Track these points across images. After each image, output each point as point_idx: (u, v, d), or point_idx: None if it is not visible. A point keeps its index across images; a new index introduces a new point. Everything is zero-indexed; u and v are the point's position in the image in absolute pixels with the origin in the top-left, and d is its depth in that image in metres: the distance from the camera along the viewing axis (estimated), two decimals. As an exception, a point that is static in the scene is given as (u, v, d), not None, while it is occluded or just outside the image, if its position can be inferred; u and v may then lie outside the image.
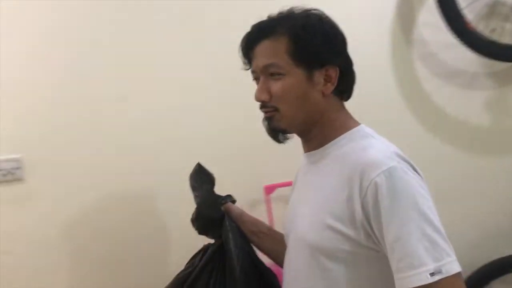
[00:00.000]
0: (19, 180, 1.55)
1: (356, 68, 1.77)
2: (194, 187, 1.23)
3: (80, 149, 1.59)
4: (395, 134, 1.87)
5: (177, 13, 1.64)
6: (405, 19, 1.88)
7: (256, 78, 1.02)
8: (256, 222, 1.24)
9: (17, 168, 1.54)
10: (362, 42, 1.79)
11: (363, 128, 0.99)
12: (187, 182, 1.27)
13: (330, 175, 0.95)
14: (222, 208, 1.19)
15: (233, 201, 1.24)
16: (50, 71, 1.56)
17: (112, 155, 1.61)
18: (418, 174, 0.90)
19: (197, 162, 1.24)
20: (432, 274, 0.79)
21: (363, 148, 0.92)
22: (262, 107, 1.00)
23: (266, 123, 1.02)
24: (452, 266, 0.81)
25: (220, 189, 1.25)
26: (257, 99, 0.99)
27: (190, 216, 1.23)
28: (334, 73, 0.96)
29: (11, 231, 1.54)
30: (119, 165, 1.60)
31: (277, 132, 1.02)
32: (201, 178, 1.23)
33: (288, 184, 1.32)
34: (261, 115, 1.05)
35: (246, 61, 1.04)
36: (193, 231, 1.23)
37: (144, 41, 1.62)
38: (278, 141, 1.03)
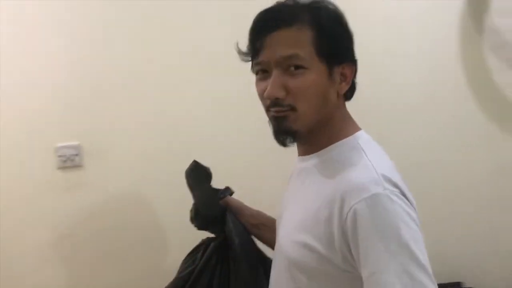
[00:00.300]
0: (77, 166, 1.60)
1: (423, 57, 1.73)
2: (191, 186, 1.19)
3: (135, 138, 1.62)
4: (462, 128, 1.82)
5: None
6: (476, 5, 1.73)
7: (263, 71, 0.88)
8: (256, 214, 1.20)
9: (76, 155, 1.60)
10: (429, 30, 1.70)
11: (359, 136, 0.89)
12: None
13: (314, 190, 0.88)
14: (221, 202, 1.16)
15: (231, 193, 1.19)
16: (111, 64, 1.61)
17: (167, 145, 1.63)
18: (408, 200, 0.79)
19: (193, 160, 1.18)
20: None
21: (350, 166, 0.83)
22: (274, 105, 0.86)
23: (275, 123, 0.88)
24: None
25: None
26: (270, 95, 0.85)
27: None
28: (350, 71, 0.88)
29: (71, 215, 1.60)
30: (173, 154, 1.62)
31: (287, 135, 0.89)
32: (198, 176, 1.17)
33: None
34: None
35: (252, 50, 0.89)
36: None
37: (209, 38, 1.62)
38: (285, 144, 0.90)
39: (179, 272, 1.16)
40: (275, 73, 0.85)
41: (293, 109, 0.85)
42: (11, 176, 1.57)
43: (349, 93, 0.92)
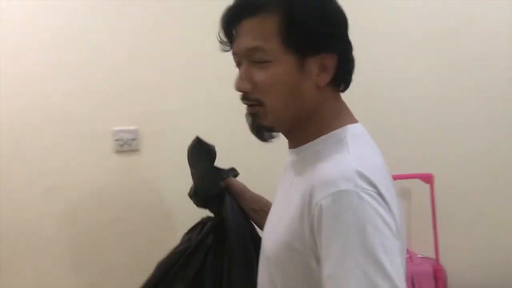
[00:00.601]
0: (134, 150, 1.60)
1: (478, 44, 1.70)
2: (191, 163, 1.15)
3: (191, 124, 1.61)
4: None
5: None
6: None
7: (238, 63, 0.84)
8: (257, 199, 1.14)
9: (133, 139, 1.59)
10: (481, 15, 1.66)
11: (349, 130, 0.81)
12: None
13: (295, 185, 0.83)
14: (223, 183, 1.13)
15: (235, 175, 1.16)
16: (171, 51, 1.59)
17: (226, 132, 1.62)
18: (385, 202, 0.71)
19: (196, 136, 1.14)
20: None
21: (327, 160, 0.77)
22: (243, 98, 0.82)
23: (249, 120, 0.85)
24: None
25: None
26: (237, 89, 0.82)
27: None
28: (331, 61, 0.79)
29: (126, 200, 1.60)
30: (233, 142, 1.59)
31: (262, 131, 0.84)
32: (199, 153, 1.13)
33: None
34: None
35: (226, 40, 0.84)
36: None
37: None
38: (264, 140, 0.86)
39: (175, 247, 1.14)
40: (243, 65, 0.81)
41: (260, 103, 0.80)
42: (69, 158, 1.57)
43: (341, 84, 0.83)
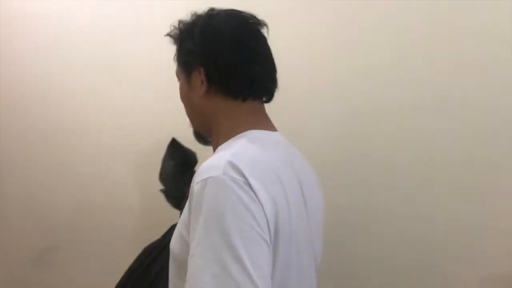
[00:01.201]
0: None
1: None
2: (162, 159, 1.32)
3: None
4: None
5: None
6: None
7: None
8: None
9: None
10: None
11: (246, 135, 0.88)
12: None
13: None
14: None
15: None
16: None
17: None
18: (253, 191, 0.74)
19: (172, 137, 1.31)
20: None
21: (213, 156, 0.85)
22: None
23: None
24: None
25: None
26: None
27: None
28: (203, 74, 0.90)
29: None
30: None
31: (195, 135, 1.02)
32: (170, 152, 1.30)
33: None
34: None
35: None
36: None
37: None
38: (202, 143, 1.02)
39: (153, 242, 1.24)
40: None
41: None
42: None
43: (239, 94, 0.90)
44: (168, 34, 0.96)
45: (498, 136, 1.33)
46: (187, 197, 1.08)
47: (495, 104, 1.32)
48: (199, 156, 1.29)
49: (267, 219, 0.74)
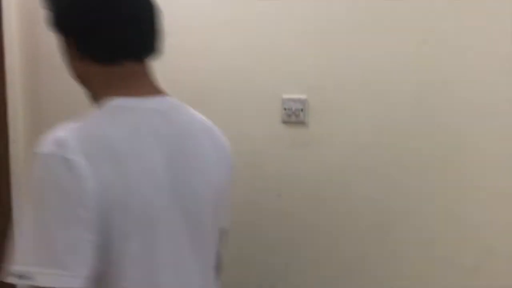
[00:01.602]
0: (301, 123, 1.48)
1: None
2: None
3: (363, 99, 1.45)
4: None
5: None
6: None
7: None
8: None
9: (301, 110, 1.47)
10: None
11: (110, 102, 0.85)
12: None
13: None
14: None
15: None
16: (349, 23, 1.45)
17: (397, 109, 1.43)
18: (71, 166, 0.76)
19: None
20: (20, 277, 0.73)
21: None
22: None
23: None
24: (40, 278, 0.73)
25: None
26: None
27: None
28: (69, 40, 0.89)
29: (291, 174, 1.51)
30: (405, 119, 1.42)
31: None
32: None
33: None
34: None
35: None
36: None
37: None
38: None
39: None
40: None
41: None
42: (237, 125, 1.51)
43: (102, 58, 0.87)
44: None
45: None
46: None
47: None
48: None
49: (88, 195, 0.76)
